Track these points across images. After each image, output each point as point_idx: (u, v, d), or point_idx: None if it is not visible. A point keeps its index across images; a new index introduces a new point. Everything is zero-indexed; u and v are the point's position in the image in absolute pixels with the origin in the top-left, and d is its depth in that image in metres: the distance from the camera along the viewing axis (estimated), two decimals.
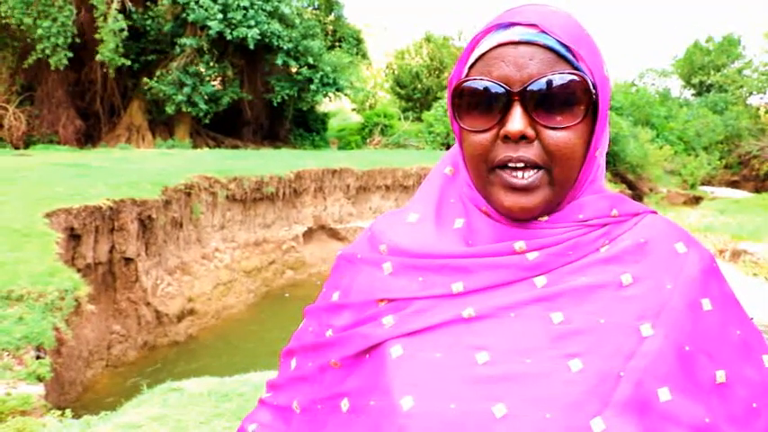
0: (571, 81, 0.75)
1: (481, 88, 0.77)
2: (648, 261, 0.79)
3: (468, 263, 0.79)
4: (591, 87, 0.77)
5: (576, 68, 0.77)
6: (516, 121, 0.74)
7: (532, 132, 0.75)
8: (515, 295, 0.77)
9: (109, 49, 15.36)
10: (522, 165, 0.76)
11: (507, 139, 0.75)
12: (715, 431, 0.72)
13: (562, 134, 0.76)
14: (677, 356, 0.73)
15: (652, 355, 0.72)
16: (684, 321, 0.75)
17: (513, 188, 0.76)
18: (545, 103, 0.75)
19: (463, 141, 0.81)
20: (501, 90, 0.75)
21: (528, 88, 0.74)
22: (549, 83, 0.75)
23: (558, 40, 0.76)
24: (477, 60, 0.79)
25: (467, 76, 0.81)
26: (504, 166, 0.77)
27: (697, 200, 23.42)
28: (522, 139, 0.75)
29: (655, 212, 0.87)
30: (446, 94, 0.86)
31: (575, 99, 0.76)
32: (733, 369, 0.76)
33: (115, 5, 15.69)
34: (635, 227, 0.82)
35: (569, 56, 0.77)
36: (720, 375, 0.75)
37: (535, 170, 0.76)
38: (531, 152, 0.75)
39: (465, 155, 0.82)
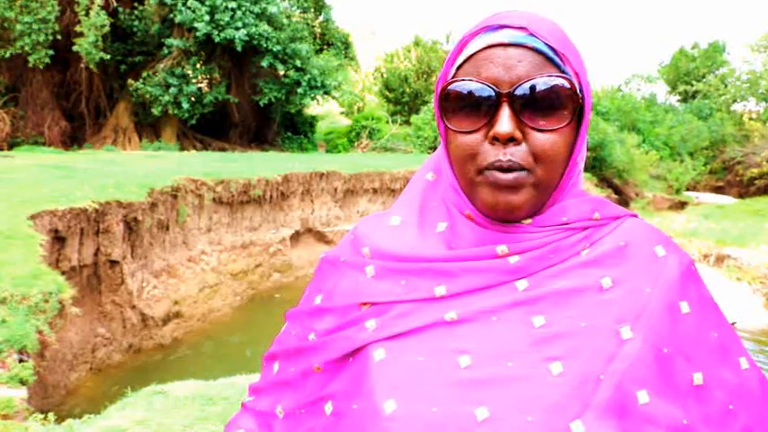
0: (559, 84, 0.76)
1: (470, 89, 0.77)
2: (628, 264, 0.79)
3: (450, 266, 0.80)
4: (578, 91, 0.77)
5: (563, 72, 0.77)
6: (505, 122, 0.74)
7: (520, 134, 0.75)
8: (497, 299, 0.77)
9: (88, 43, 14.94)
10: (508, 166, 0.76)
11: (495, 140, 0.75)
12: None
13: (549, 137, 0.76)
14: (656, 359, 0.74)
15: (631, 357, 0.72)
16: (663, 324, 0.76)
17: (499, 186, 0.76)
18: (533, 105, 0.75)
19: (450, 143, 0.81)
20: (490, 91, 0.75)
21: (516, 90, 0.75)
22: (538, 85, 0.75)
23: (546, 44, 0.77)
24: (465, 61, 0.79)
25: (454, 77, 0.80)
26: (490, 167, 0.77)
27: (682, 205, 23.57)
28: (510, 140, 0.75)
29: (635, 216, 0.87)
30: (434, 97, 0.86)
31: (562, 102, 0.76)
32: (710, 371, 0.77)
33: (98, 1, 15.43)
34: (615, 230, 0.83)
35: (557, 59, 0.77)
36: (698, 377, 0.75)
37: (520, 170, 0.76)
38: (518, 154, 0.75)
39: (451, 156, 0.82)
